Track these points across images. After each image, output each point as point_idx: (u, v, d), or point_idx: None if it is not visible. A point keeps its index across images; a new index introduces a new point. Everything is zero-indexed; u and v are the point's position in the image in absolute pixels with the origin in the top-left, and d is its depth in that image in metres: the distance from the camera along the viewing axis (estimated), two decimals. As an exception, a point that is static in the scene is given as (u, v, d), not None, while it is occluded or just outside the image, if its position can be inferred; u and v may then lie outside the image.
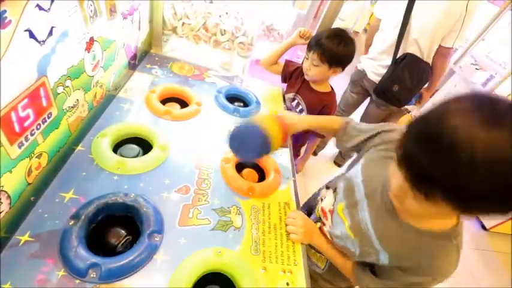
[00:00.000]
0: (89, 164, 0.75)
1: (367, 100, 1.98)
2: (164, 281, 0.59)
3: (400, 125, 0.76)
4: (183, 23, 1.37)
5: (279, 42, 1.59)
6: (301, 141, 1.44)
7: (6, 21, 0.45)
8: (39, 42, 0.54)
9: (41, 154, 0.63)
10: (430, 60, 1.61)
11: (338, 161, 2.39)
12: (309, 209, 0.96)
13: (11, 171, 0.54)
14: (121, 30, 0.94)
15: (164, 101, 1.05)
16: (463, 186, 0.38)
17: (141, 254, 0.60)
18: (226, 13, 1.39)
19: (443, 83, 3.13)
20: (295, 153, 1.46)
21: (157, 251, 0.63)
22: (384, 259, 0.63)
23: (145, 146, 0.86)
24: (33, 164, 0.61)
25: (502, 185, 0.36)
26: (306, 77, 1.20)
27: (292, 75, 1.30)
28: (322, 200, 0.86)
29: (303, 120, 0.85)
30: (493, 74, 2.73)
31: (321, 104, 1.23)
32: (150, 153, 0.83)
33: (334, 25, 1.27)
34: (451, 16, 1.44)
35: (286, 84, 1.36)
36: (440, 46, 1.56)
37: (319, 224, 0.81)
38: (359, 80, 1.85)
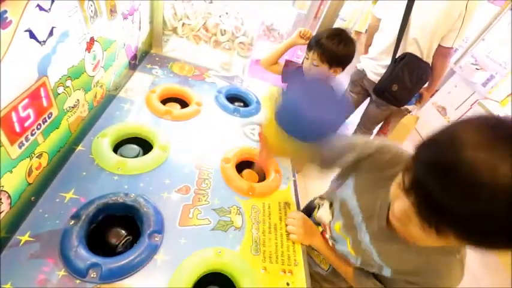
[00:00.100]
0: (90, 164, 0.75)
1: (367, 100, 1.98)
2: (164, 281, 0.59)
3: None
4: (183, 23, 1.37)
5: (279, 42, 1.58)
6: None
7: (7, 21, 0.45)
8: (39, 42, 0.54)
9: (41, 154, 0.63)
10: (430, 60, 1.61)
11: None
12: (307, 212, 0.96)
13: (11, 171, 0.54)
14: (121, 30, 0.94)
15: (164, 101, 1.05)
16: (483, 223, 0.35)
17: (142, 254, 0.60)
18: (226, 13, 1.39)
19: (443, 83, 3.13)
20: (296, 153, 1.46)
21: (158, 251, 0.63)
22: (387, 273, 0.63)
23: (145, 146, 0.87)
24: (34, 164, 0.61)
25: None
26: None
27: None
28: (319, 206, 0.84)
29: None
30: (493, 74, 2.72)
31: (321, 104, 1.23)
32: (150, 153, 0.83)
33: (335, 25, 1.27)
34: (450, 16, 1.44)
35: (286, 84, 1.36)
36: (440, 46, 1.55)
37: (320, 228, 0.81)
38: (359, 80, 1.85)
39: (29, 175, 0.60)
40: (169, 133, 0.91)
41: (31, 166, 0.60)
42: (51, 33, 0.57)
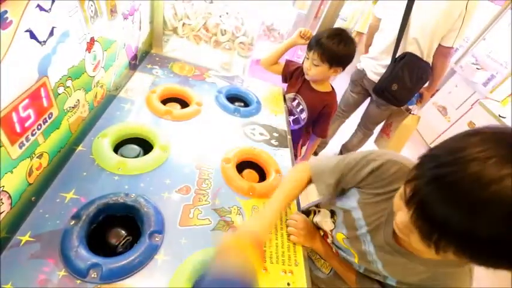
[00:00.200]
0: (90, 164, 0.75)
1: (368, 100, 1.98)
2: (165, 281, 0.59)
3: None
4: (184, 23, 1.37)
5: (279, 42, 1.58)
6: (302, 142, 1.44)
7: (7, 21, 0.45)
8: (40, 42, 0.54)
9: (41, 154, 0.63)
10: (430, 60, 1.61)
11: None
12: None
13: (11, 172, 0.54)
14: (122, 30, 0.94)
15: (165, 101, 1.05)
16: (486, 239, 0.34)
17: (142, 254, 0.60)
18: (227, 13, 1.39)
19: (444, 82, 3.13)
20: (296, 154, 1.46)
21: (158, 251, 0.63)
22: (391, 282, 0.62)
23: (146, 146, 0.87)
24: (34, 164, 0.61)
25: None
26: (306, 76, 1.20)
27: (292, 75, 1.30)
28: (314, 212, 0.84)
29: (270, 223, 0.66)
30: (493, 74, 2.72)
31: (321, 103, 1.23)
32: (150, 153, 0.83)
33: (336, 25, 1.27)
34: (450, 16, 1.44)
35: (286, 84, 1.36)
36: (440, 45, 1.55)
37: (321, 232, 0.80)
38: (359, 80, 1.85)
39: (29, 175, 0.60)
40: (169, 133, 0.91)
41: (31, 166, 0.60)
42: (51, 34, 0.57)
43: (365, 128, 2.10)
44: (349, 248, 0.69)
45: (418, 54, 1.57)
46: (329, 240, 0.77)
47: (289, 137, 1.13)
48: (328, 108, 1.24)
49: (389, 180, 0.59)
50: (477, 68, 2.84)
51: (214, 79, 1.28)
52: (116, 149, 0.83)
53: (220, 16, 1.39)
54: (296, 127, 1.33)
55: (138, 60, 1.18)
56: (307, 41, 1.17)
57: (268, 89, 1.37)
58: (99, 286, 0.55)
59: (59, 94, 0.65)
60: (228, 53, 1.47)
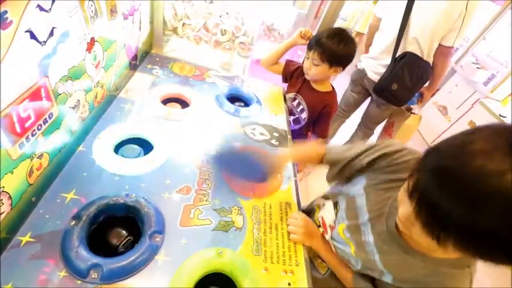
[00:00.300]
0: (90, 164, 0.75)
1: (368, 100, 1.98)
2: (165, 282, 0.59)
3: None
4: (184, 23, 1.37)
5: (280, 42, 1.58)
6: (302, 142, 1.44)
7: (7, 22, 0.45)
8: (40, 42, 0.54)
9: (42, 155, 0.63)
10: (430, 60, 1.61)
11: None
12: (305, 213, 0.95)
13: (12, 172, 0.54)
14: (122, 30, 0.94)
15: (165, 102, 1.05)
16: (486, 233, 0.35)
17: (143, 254, 0.60)
18: (227, 13, 1.39)
19: (444, 82, 3.12)
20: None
21: (159, 251, 0.63)
22: (387, 280, 0.61)
23: (146, 146, 0.86)
24: (35, 165, 0.61)
25: None
26: (306, 76, 1.20)
27: (293, 75, 1.30)
28: (319, 207, 0.84)
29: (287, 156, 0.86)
30: (494, 73, 2.72)
31: (321, 103, 1.23)
32: (151, 153, 0.83)
33: (336, 25, 1.27)
34: (450, 16, 1.44)
35: (287, 84, 1.36)
36: (440, 45, 1.55)
37: (321, 229, 0.80)
38: (359, 80, 1.85)
39: (29, 176, 0.60)
40: (169, 133, 0.91)
41: (32, 167, 0.60)
42: (51, 34, 0.57)
43: (365, 127, 2.10)
44: (347, 240, 0.69)
45: (419, 53, 1.57)
46: (327, 236, 0.77)
47: (289, 136, 1.13)
48: (329, 108, 1.24)
49: (401, 167, 0.60)
50: (477, 68, 2.84)
51: (214, 79, 1.28)
52: (116, 149, 0.83)
53: (220, 16, 1.39)
54: (296, 127, 1.33)
55: (138, 61, 1.18)
56: (308, 41, 1.17)
57: (268, 89, 1.37)
58: (99, 286, 0.54)
59: (59, 94, 0.65)
60: (228, 53, 1.47)
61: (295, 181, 0.94)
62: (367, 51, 1.82)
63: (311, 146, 0.88)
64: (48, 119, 0.62)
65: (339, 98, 1.38)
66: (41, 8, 0.52)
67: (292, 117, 1.31)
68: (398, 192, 0.50)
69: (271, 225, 0.77)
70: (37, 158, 0.61)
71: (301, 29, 1.22)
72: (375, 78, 1.71)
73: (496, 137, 0.36)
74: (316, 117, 1.28)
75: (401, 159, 0.61)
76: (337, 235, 0.73)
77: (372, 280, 0.67)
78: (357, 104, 2.02)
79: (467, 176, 0.35)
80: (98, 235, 0.64)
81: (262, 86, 1.37)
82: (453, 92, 3.10)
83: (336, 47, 1.06)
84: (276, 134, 1.10)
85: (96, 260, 0.56)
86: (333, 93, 1.25)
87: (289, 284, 0.66)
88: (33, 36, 0.52)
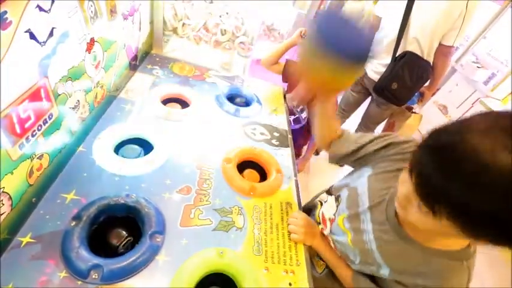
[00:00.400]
0: (91, 164, 0.75)
1: (368, 100, 1.98)
2: (166, 282, 0.59)
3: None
4: (184, 24, 1.37)
5: (280, 42, 1.59)
6: (302, 142, 1.44)
7: (7, 22, 0.45)
8: (39, 43, 0.54)
9: (42, 155, 0.63)
10: (431, 59, 1.61)
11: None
12: (306, 211, 0.95)
13: (12, 173, 0.54)
14: (122, 31, 0.94)
15: (165, 102, 1.05)
16: (476, 208, 0.36)
17: (143, 254, 0.60)
18: (227, 13, 1.39)
19: (444, 81, 3.12)
20: (297, 153, 1.46)
21: (159, 251, 0.63)
22: (384, 273, 0.61)
23: (146, 146, 0.86)
24: (35, 165, 0.61)
25: None
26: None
27: (293, 75, 1.30)
28: (321, 203, 0.84)
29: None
30: (494, 72, 2.71)
31: (322, 103, 1.22)
32: (151, 153, 0.83)
33: (335, 24, 1.26)
34: (450, 16, 1.43)
35: (287, 84, 1.36)
36: (440, 44, 1.55)
37: (321, 226, 0.80)
38: (359, 79, 1.85)
39: (29, 176, 0.60)
40: (170, 133, 0.91)
41: (32, 167, 0.60)
42: (51, 34, 0.57)
43: (365, 127, 2.10)
44: (344, 229, 0.70)
45: (419, 53, 1.56)
46: (326, 232, 0.77)
47: (290, 136, 1.12)
48: (329, 108, 1.23)
49: (407, 157, 0.61)
50: (478, 67, 2.83)
51: (214, 79, 1.28)
52: (117, 149, 0.83)
53: (220, 16, 1.38)
54: (297, 126, 1.33)
55: (138, 61, 1.18)
56: (308, 41, 1.17)
57: (268, 89, 1.37)
58: (100, 287, 0.54)
59: (59, 95, 0.65)
60: (228, 53, 1.47)
61: (296, 181, 0.94)
62: (367, 50, 1.82)
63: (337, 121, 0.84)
64: (48, 119, 0.62)
65: (338, 97, 1.38)
66: (41, 8, 0.52)
67: (292, 117, 1.31)
68: (401, 175, 0.52)
69: (271, 225, 0.77)
70: (37, 158, 0.61)
71: (301, 28, 1.22)
72: (375, 77, 1.71)
73: (494, 118, 0.39)
74: (316, 117, 1.28)
75: (409, 149, 0.64)
76: (337, 227, 0.73)
77: (372, 280, 0.67)
78: (357, 104, 2.02)
79: (461, 152, 0.37)
80: (98, 235, 0.64)
81: (263, 85, 1.37)
82: (453, 91, 3.09)
83: None
84: (276, 134, 1.09)
85: (96, 260, 0.56)
86: (333, 92, 1.24)
87: (290, 284, 0.66)
88: (32, 36, 0.51)
